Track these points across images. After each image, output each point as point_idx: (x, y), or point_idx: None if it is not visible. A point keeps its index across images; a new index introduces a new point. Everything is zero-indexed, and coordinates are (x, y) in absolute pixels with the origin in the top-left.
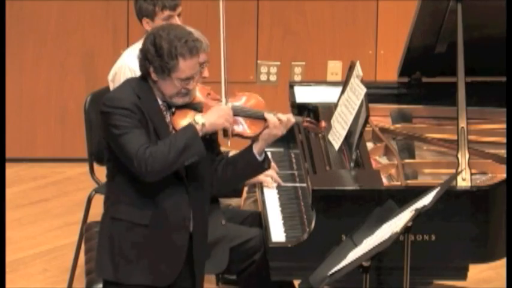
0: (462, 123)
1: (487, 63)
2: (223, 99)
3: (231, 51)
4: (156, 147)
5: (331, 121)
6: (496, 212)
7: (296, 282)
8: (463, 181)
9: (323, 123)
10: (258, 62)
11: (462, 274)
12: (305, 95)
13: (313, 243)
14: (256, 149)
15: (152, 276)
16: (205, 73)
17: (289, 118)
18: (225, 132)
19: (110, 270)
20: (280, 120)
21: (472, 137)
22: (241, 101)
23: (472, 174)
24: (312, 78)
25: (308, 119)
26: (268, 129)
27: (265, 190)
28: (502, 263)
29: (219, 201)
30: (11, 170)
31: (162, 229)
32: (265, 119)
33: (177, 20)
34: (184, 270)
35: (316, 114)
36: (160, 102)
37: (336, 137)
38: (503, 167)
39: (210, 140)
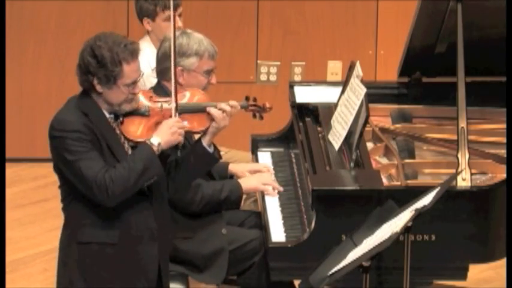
0: (462, 123)
1: (487, 63)
2: (173, 112)
3: (231, 51)
4: (115, 172)
5: (331, 121)
6: (496, 212)
7: (296, 282)
8: (463, 181)
9: (267, 104)
10: (258, 62)
11: (462, 274)
12: (305, 95)
13: (313, 243)
14: (205, 142)
15: None
16: (213, 80)
17: (234, 106)
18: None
19: None
20: (224, 110)
21: (472, 137)
22: (186, 97)
23: (472, 174)
24: (312, 78)
25: (252, 102)
26: (216, 122)
27: (266, 194)
28: (502, 263)
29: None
30: (11, 170)
31: (131, 244)
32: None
33: (178, 21)
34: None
35: (315, 114)
36: (107, 115)
37: (336, 137)
38: (503, 167)
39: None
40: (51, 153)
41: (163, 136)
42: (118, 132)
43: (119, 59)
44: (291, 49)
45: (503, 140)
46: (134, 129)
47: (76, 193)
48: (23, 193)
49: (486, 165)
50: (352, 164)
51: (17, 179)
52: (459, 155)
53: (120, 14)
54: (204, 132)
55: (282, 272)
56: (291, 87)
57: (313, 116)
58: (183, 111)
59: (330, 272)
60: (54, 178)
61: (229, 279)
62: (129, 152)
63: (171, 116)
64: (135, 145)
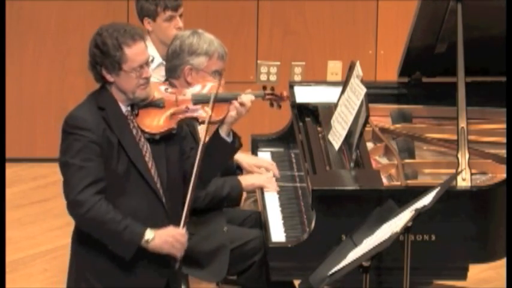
0: (462, 123)
1: (487, 63)
2: (182, 223)
3: (231, 51)
4: (103, 206)
5: (331, 121)
6: (496, 212)
7: (296, 282)
8: (463, 181)
9: (285, 93)
10: (258, 62)
11: (462, 274)
12: (305, 95)
13: (313, 243)
14: (223, 132)
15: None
16: (222, 82)
17: (251, 96)
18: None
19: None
20: (243, 104)
21: (472, 137)
22: (203, 87)
23: (472, 174)
24: (312, 78)
25: (269, 91)
26: (236, 113)
27: (266, 190)
28: (502, 263)
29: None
30: (11, 170)
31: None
32: (230, 100)
33: (178, 21)
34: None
35: (315, 114)
36: (124, 109)
37: (336, 137)
38: (503, 167)
39: (181, 137)
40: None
41: (159, 239)
42: (133, 126)
43: (119, 43)
44: (291, 49)
45: (503, 140)
46: (149, 120)
47: None
48: (23, 193)
49: (486, 165)
50: (352, 164)
51: (17, 179)
52: (459, 155)
53: (120, 14)
54: (221, 122)
55: (282, 272)
56: (291, 87)
57: (313, 116)
58: (199, 101)
59: (330, 272)
60: (54, 178)
61: (229, 279)
62: (145, 147)
63: (186, 108)
64: (151, 137)
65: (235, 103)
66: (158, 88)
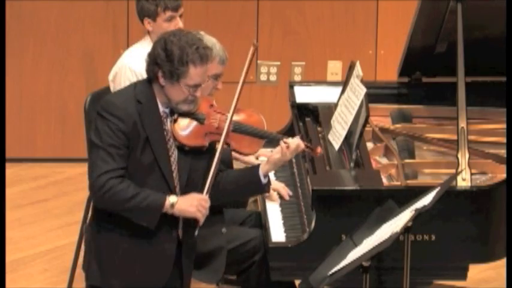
0: (462, 123)
1: (487, 63)
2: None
3: (231, 51)
4: (121, 186)
5: (331, 121)
6: (496, 212)
7: (296, 282)
8: (463, 181)
9: (319, 149)
10: (258, 62)
11: (462, 274)
12: (305, 95)
13: (313, 243)
14: (262, 170)
15: (139, 284)
16: (220, 85)
17: (299, 143)
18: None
19: (97, 276)
20: (287, 144)
21: (472, 137)
22: (241, 116)
23: (472, 174)
24: (312, 78)
25: (306, 143)
26: (280, 153)
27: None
28: (502, 263)
29: (222, 209)
30: (11, 170)
31: (150, 238)
32: (265, 138)
33: (178, 21)
34: (172, 278)
35: (315, 114)
36: (161, 108)
37: (336, 137)
38: (503, 167)
39: (210, 151)
40: (91, 126)
41: (184, 203)
42: (167, 128)
43: (187, 59)
44: (291, 49)
45: (503, 140)
46: (184, 132)
47: None
48: (23, 193)
49: (486, 165)
50: (352, 164)
51: (17, 179)
52: (459, 155)
53: (120, 14)
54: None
55: (282, 272)
56: (291, 87)
57: (313, 116)
58: (239, 131)
59: (330, 272)
60: (54, 178)
61: (229, 279)
62: (172, 149)
63: (226, 133)
64: (180, 145)
65: (282, 144)
66: (204, 103)
